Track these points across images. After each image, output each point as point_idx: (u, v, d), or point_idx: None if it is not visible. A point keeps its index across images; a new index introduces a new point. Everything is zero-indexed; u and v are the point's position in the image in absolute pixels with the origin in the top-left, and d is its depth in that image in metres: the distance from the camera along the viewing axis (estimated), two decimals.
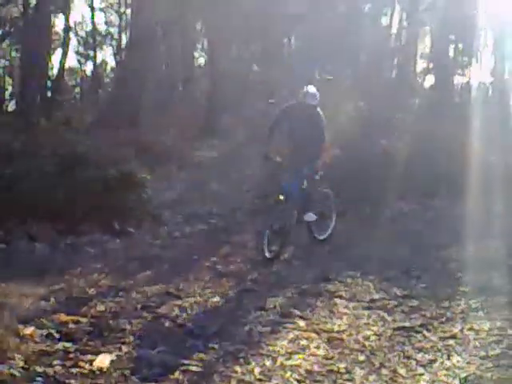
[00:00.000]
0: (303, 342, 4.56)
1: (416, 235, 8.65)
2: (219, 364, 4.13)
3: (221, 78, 19.16)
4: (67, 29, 24.55)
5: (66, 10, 23.92)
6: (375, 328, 4.95)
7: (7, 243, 7.89)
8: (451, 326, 4.96)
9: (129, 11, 26.47)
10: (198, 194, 11.61)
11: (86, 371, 3.91)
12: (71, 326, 4.78)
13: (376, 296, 5.85)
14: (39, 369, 3.89)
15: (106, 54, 33.82)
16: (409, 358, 4.32)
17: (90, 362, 4.03)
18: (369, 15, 23.43)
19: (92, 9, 29.35)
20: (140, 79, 17.07)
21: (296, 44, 25.32)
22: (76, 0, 40.27)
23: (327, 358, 4.28)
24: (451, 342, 4.60)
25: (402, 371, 4.09)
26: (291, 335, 4.71)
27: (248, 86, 22.46)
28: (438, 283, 6.23)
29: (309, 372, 4.04)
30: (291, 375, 3.98)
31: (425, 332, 4.83)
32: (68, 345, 4.34)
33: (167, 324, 4.96)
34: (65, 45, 24.38)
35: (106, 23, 31.49)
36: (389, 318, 5.20)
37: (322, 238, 8.07)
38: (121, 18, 30.20)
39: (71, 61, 37.56)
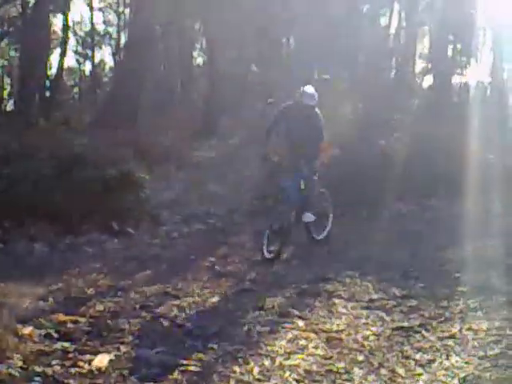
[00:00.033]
0: (302, 342, 4.56)
1: (414, 235, 8.65)
2: (218, 364, 4.13)
3: (219, 79, 19.16)
4: (66, 28, 24.53)
5: (64, 9, 23.88)
6: (374, 328, 4.95)
7: (5, 243, 7.89)
8: (450, 326, 4.95)
9: (127, 11, 26.57)
10: (197, 195, 11.61)
11: (84, 371, 3.91)
12: (70, 325, 4.78)
13: (375, 296, 5.85)
14: (38, 368, 3.89)
15: (105, 54, 33.97)
16: (407, 357, 4.32)
17: (89, 362, 4.03)
18: (367, 16, 23.46)
19: (91, 8, 29.42)
20: (138, 79, 17.08)
21: (294, 45, 25.32)
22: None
23: (326, 358, 4.28)
24: (450, 341, 4.60)
25: (401, 371, 4.09)
26: (290, 335, 4.71)
27: (247, 86, 22.49)
28: (437, 283, 6.22)
29: (308, 372, 4.04)
30: (290, 375, 3.98)
31: (423, 332, 4.83)
32: (67, 345, 4.34)
33: (166, 324, 4.96)
34: (63, 44, 24.36)
35: (105, 23, 31.51)
36: (387, 318, 5.20)
37: (319, 237, 8.07)
38: (119, 18, 30.22)
39: (70, 60, 37.56)
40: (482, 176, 10.33)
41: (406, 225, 9.40)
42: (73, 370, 3.91)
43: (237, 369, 4.04)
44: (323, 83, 14.06)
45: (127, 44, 21.46)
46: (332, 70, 16.98)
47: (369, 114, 14.52)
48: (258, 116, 16.00)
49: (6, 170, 8.80)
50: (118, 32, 30.31)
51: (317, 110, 7.54)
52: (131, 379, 3.85)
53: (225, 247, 8.12)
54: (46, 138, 11.22)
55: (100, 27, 31.21)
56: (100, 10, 31.10)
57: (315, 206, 7.80)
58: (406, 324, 5.04)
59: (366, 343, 4.59)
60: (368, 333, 4.82)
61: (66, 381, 3.77)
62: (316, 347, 4.48)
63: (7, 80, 29.67)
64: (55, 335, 4.53)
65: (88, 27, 30.56)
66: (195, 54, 28.96)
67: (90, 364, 4.00)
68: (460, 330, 4.84)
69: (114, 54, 30.94)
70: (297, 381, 3.92)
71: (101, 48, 32.46)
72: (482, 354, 4.35)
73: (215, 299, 5.72)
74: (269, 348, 4.42)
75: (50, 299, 5.51)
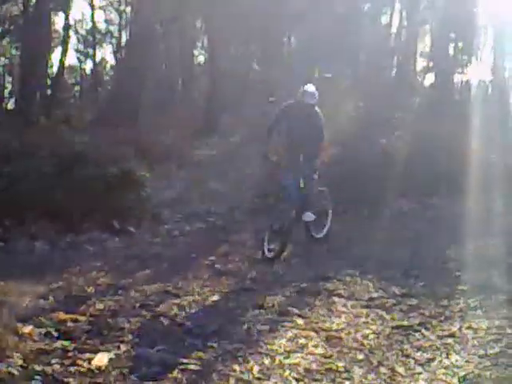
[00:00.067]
0: (302, 341, 4.56)
1: (416, 234, 8.65)
2: (218, 363, 4.13)
3: (221, 77, 19.16)
4: (67, 27, 24.54)
5: (65, 7, 23.92)
6: (374, 327, 4.94)
7: (6, 242, 7.90)
8: (450, 325, 4.95)
9: (129, 9, 26.53)
10: (198, 193, 11.61)
11: (84, 370, 3.91)
12: (70, 324, 4.78)
13: (375, 295, 5.85)
14: (38, 367, 3.89)
15: (106, 52, 33.99)
16: (407, 356, 4.32)
17: (89, 361, 4.03)
18: (368, 14, 23.44)
19: (92, 7, 29.39)
20: (140, 77, 17.09)
21: (296, 43, 25.32)
22: None
23: (326, 357, 4.28)
24: (450, 340, 4.60)
25: (401, 370, 4.09)
26: (290, 334, 4.70)
27: (248, 84, 22.48)
28: (437, 282, 6.22)
29: (307, 371, 4.04)
30: (290, 374, 3.98)
31: (423, 331, 4.83)
32: (67, 343, 4.34)
33: (166, 323, 4.96)
34: (64, 43, 24.37)
35: (106, 21, 31.51)
36: (387, 317, 5.19)
37: (319, 236, 8.06)
38: (121, 16, 30.21)
39: (71, 59, 37.67)
40: (483, 175, 10.32)
41: (407, 223, 9.39)
42: (73, 369, 3.90)
43: (237, 367, 4.04)
44: (324, 81, 14.06)
45: (128, 42, 21.48)
46: (333, 69, 17.00)
47: (370, 113, 14.50)
48: (259, 114, 15.98)
49: (7, 169, 8.80)
50: (120, 30, 30.32)
51: (317, 108, 7.53)
52: (131, 378, 3.85)
53: (225, 245, 8.12)
54: (47, 137, 11.23)
55: (101, 26, 31.25)
56: (101, 8, 31.14)
57: (315, 205, 7.79)
58: (405, 323, 5.04)
59: (365, 342, 4.58)
60: (368, 331, 4.81)
61: (65, 379, 3.76)
62: (316, 346, 4.48)
63: (8, 78, 29.71)
64: (55, 334, 4.53)
65: (89, 25, 30.59)
66: (196, 52, 29.00)
67: (89, 363, 4.00)
68: (460, 329, 4.84)
69: (115, 53, 30.95)
70: (296, 379, 3.91)
71: (102, 46, 32.55)
72: (482, 352, 4.35)
73: (215, 298, 5.72)
74: (268, 347, 4.42)
75: (51, 298, 5.52)
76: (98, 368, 3.94)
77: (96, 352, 4.17)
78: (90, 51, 30.69)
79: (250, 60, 23.92)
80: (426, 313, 5.29)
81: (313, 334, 4.73)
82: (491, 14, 22.87)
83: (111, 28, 31.35)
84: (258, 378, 3.91)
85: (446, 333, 4.77)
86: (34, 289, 5.66)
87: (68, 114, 18.60)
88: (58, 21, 26.77)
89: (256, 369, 4.03)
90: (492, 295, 5.66)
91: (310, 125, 7.43)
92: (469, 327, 4.87)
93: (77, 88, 32.55)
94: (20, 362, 3.95)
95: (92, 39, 30.24)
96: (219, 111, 18.66)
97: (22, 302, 5.20)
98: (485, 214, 9.14)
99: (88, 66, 32.37)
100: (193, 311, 5.30)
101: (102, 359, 4.05)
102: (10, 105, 26.09)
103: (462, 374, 4.01)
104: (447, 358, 4.28)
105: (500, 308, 5.31)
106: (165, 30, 21.21)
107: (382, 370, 4.08)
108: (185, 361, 4.10)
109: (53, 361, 4.02)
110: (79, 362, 4.01)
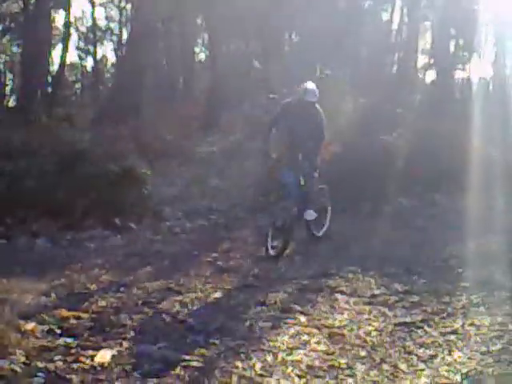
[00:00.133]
0: (304, 338, 4.56)
1: (417, 231, 8.65)
2: (220, 359, 4.13)
3: (221, 74, 19.14)
4: (68, 24, 24.51)
5: (66, 5, 23.88)
6: (376, 323, 4.94)
7: (8, 239, 7.91)
8: (452, 322, 4.95)
9: (129, 6, 26.46)
10: (199, 190, 11.62)
11: (87, 366, 3.91)
12: (72, 321, 4.79)
13: (377, 291, 5.85)
14: (40, 364, 3.90)
15: (107, 50, 34.07)
16: (410, 353, 4.31)
17: (91, 358, 4.03)
18: (369, 11, 23.41)
19: (92, 4, 29.38)
20: (140, 75, 17.09)
21: (297, 40, 25.29)
22: None
23: (328, 354, 4.28)
24: (452, 337, 4.59)
25: (403, 366, 4.08)
26: (292, 330, 4.70)
27: (249, 81, 22.43)
28: (439, 279, 6.22)
29: (310, 367, 4.04)
30: (292, 370, 3.98)
31: (426, 327, 4.82)
32: (69, 340, 4.35)
33: (168, 319, 4.96)
34: (65, 40, 24.35)
35: (107, 18, 31.56)
36: (390, 314, 5.19)
37: (319, 234, 8.05)
38: (121, 13, 30.20)
39: (72, 56, 37.68)
40: (484, 172, 10.30)
41: (408, 220, 9.39)
42: (75, 366, 3.91)
43: (239, 364, 4.04)
44: (325, 78, 14.02)
45: (129, 40, 21.43)
46: (334, 66, 16.95)
47: (371, 110, 14.46)
48: (260, 112, 15.96)
49: (9, 167, 8.82)
50: (120, 28, 30.32)
51: (318, 106, 7.51)
52: (133, 375, 3.85)
53: (227, 242, 8.13)
54: (48, 135, 11.24)
55: (102, 23, 31.30)
56: (102, 5, 31.13)
57: (316, 202, 7.78)
58: (408, 319, 5.04)
59: (368, 339, 4.58)
60: (370, 328, 4.81)
61: (68, 376, 3.77)
62: (318, 343, 4.48)
63: (9, 76, 29.71)
64: (58, 331, 4.54)
65: (90, 23, 30.58)
66: (197, 49, 28.96)
67: (92, 360, 4.00)
68: (462, 326, 4.84)
69: (115, 50, 30.96)
70: (299, 376, 3.91)
71: (103, 44, 32.58)
72: (484, 349, 4.34)
73: (217, 295, 5.72)
74: (271, 343, 4.42)
75: (53, 295, 5.52)
76: (101, 365, 3.94)
77: (98, 349, 4.17)
78: (91, 48, 30.70)
79: (251, 57, 23.88)
80: (428, 310, 5.29)
81: (315, 330, 4.72)
82: (492, 11, 22.81)
83: (112, 25, 31.40)
84: (261, 375, 3.91)
85: (448, 329, 4.76)
86: (36, 286, 5.67)
87: (69, 112, 18.58)
88: (59, 18, 26.93)
89: (258, 365, 4.03)
90: (494, 292, 5.66)
91: (310, 123, 7.40)
92: (471, 324, 4.86)
93: (78, 85, 32.60)
94: (22, 358, 3.95)
95: (93, 36, 30.23)
96: (220, 108, 18.64)
97: (24, 300, 5.20)
98: (486, 211, 9.14)
99: (89, 63, 32.44)
100: (195, 308, 5.30)
101: (104, 356, 4.05)
102: (11, 102, 26.10)
103: (464, 370, 4.00)
104: (450, 354, 4.27)
105: (502, 305, 5.30)
106: (165, 28, 21.18)
107: (385, 366, 4.08)
108: (187, 358, 4.10)
109: (55, 358, 4.02)
110: (82, 358, 4.02)
